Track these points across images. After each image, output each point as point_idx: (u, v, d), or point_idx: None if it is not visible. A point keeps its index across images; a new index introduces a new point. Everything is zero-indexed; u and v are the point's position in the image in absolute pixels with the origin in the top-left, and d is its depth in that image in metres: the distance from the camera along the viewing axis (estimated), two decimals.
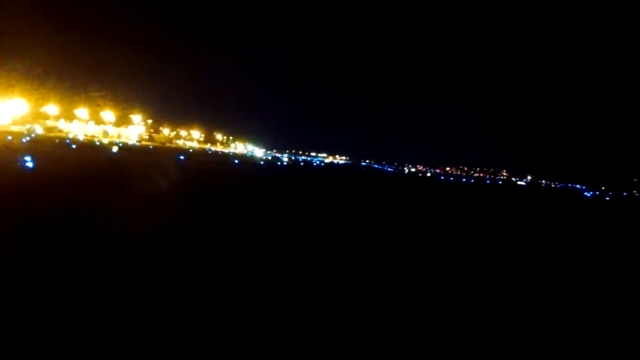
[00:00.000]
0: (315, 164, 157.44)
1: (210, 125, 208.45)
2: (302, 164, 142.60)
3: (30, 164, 30.89)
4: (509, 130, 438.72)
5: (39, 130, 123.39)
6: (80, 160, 45.47)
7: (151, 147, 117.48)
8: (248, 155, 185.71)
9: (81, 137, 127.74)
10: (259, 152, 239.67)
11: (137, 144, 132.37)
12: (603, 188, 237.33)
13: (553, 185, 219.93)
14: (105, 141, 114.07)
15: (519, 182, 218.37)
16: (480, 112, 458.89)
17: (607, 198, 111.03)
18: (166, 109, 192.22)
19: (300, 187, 45.13)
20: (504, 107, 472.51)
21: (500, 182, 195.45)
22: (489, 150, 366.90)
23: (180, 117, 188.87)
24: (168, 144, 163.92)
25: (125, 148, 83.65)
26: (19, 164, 32.00)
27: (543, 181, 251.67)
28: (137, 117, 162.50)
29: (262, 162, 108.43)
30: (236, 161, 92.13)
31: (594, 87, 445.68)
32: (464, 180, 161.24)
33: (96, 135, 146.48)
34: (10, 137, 71.45)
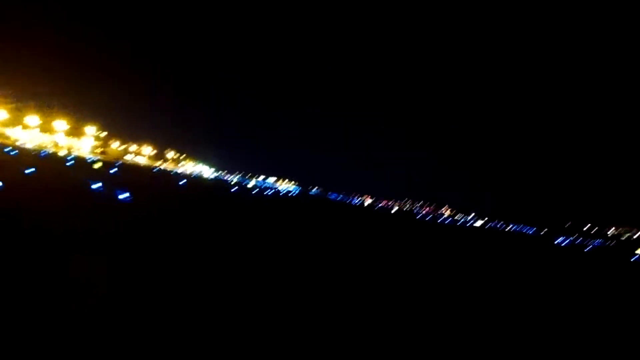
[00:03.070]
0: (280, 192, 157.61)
1: (161, 141, 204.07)
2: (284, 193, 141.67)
3: (124, 195, 30.51)
4: (451, 166, 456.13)
5: None
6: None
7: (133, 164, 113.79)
8: (194, 176, 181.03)
9: (30, 147, 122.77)
10: (207, 173, 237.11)
11: (95, 157, 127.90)
12: (546, 230, 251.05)
13: (507, 228, 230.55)
14: (64, 153, 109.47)
15: (475, 224, 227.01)
16: (424, 147, 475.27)
17: (590, 247, 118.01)
18: (118, 122, 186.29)
19: None
20: (445, 143, 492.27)
21: (468, 224, 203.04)
22: (428, 185, 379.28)
23: (132, 131, 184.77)
24: (123, 159, 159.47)
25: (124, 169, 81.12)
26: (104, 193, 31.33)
27: (490, 222, 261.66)
28: (91, 129, 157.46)
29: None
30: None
31: (533, 125, 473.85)
32: (440, 220, 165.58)
33: (46, 145, 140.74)
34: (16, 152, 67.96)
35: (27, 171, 36.79)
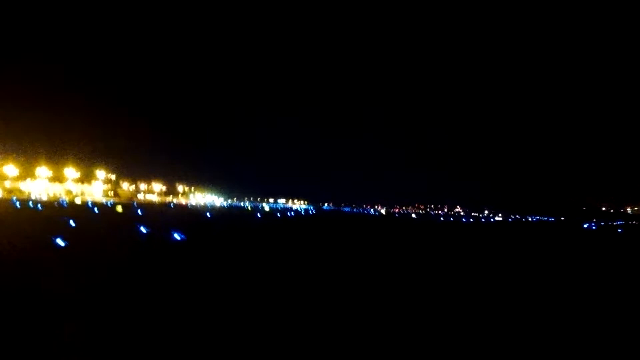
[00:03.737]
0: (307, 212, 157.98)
1: (170, 177, 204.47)
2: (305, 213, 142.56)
3: (178, 236, 30.32)
4: (454, 164, 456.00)
5: None
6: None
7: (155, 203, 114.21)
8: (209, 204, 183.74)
9: (45, 197, 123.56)
10: (217, 201, 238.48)
11: (105, 201, 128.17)
12: (562, 218, 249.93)
13: (529, 220, 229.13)
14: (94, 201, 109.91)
15: (496, 218, 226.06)
16: (424, 148, 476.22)
17: (620, 230, 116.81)
18: (127, 163, 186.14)
19: None
20: (445, 141, 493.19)
21: (482, 220, 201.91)
22: (435, 186, 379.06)
23: (141, 171, 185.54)
24: (136, 199, 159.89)
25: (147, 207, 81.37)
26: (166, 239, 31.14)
27: (503, 215, 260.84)
28: (101, 173, 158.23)
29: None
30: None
31: (533, 118, 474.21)
32: (464, 220, 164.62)
33: (60, 194, 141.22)
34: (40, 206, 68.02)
35: (71, 223, 36.70)
